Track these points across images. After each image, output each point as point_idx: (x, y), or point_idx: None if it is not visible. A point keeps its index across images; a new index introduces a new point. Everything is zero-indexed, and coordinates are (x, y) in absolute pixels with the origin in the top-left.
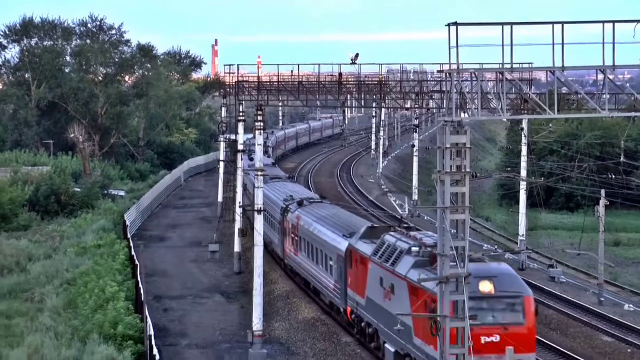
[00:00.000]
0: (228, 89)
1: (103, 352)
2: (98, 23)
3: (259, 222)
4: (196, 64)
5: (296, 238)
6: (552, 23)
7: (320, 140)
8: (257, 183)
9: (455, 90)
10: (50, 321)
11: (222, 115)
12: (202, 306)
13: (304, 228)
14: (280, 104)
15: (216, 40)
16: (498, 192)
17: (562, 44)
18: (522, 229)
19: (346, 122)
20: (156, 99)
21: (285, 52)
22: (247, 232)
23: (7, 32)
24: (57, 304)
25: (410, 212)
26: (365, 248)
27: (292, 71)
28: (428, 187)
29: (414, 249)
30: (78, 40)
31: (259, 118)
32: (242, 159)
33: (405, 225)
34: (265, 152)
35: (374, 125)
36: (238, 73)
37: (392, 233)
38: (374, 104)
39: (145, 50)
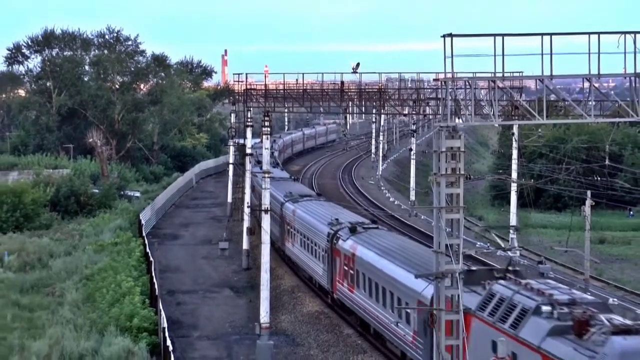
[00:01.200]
0: (237, 97)
1: (120, 344)
2: (115, 34)
3: (265, 221)
4: (207, 72)
5: (351, 272)
6: (541, 34)
7: (314, 147)
8: (264, 185)
9: (450, 98)
10: (70, 314)
11: (232, 121)
12: (212, 300)
13: (363, 261)
14: (286, 110)
15: (226, 51)
16: (490, 193)
17: (551, 54)
18: None
19: (348, 127)
20: (170, 106)
21: (291, 62)
22: (255, 230)
23: (30, 43)
24: (77, 298)
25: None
26: (465, 299)
27: (297, 80)
28: (425, 188)
29: (545, 308)
30: (96, 50)
31: (266, 124)
32: (250, 162)
33: (511, 268)
34: (277, 165)
35: (374, 131)
36: (246, 81)
37: (502, 283)
38: (374, 111)
39: (160, 60)
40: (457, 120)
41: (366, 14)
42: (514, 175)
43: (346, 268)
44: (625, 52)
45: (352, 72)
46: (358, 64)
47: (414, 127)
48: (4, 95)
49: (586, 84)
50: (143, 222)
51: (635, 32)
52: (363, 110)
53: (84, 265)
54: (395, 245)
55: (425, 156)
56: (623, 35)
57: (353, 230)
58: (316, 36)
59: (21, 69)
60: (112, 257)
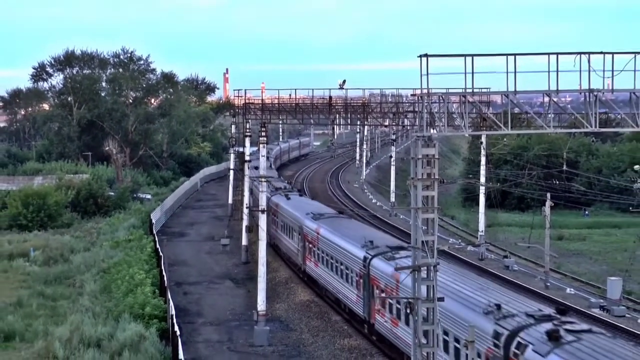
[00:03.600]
0: (237, 110)
1: (133, 329)
2: (129, 55)
3: (263, 220)
4: (210, 88)
5: None
6: (506, 55)
7: (289, 161)
8: (261, 188)
9: (426, 111)
10: (89, 303)
11: (232, 132)
12: (215, 290)
13: None
14: (280, 122)
15: (227, 69)
16: (461, 195)
17: (515, 72)
18: (481, 225)
19: (335, 137)
20: (177, 118)
21: (285, 79)
22: (253, 228)
23: (53, 63)
24: (95, 289)
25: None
26: None
27: (290, 95)
28: (403, 191)
29: None
30: (112, 69)
31: (263, 134)
32: (248, 168)
33: None
34: (298, 191)
35: (358, 140)
36: (245, 96)
37: None
38: (358, 122)
39: (168, 77)
40: (432, 130)
41: (353, 37)
42: (482, 179)
43: None
44: (580, 70)
45: (339, 88)
46: (344, 81)
47: (393, 137)
48: (30, 109)
49: (546, 99)
50: (153, 221)
51: (589, 53)
52: (349, 121)
53: (101, 260)
54: None
55: (404, 162)
56: (578, 55)
57: (554, 337)
58: (308, 57)
59: (45, 85)
60: (126, 253)
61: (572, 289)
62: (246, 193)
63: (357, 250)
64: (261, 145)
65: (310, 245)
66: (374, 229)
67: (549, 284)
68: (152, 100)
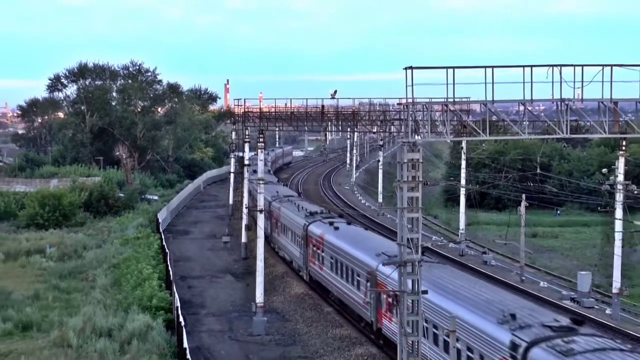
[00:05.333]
0: (237, 118)
1: (141, 320)
2: (137, 67)
3: (260, 219)
4: (212, 98)
5: None
6: (485, 67)
7: (270, 171)
8: (259, 189)
9: (411, 119)
10: (100, 296)
11: (233, 138)
12: (217, 284)
13: None
14: (277, 129)
15: (228, 80)
16: (443, 196)
17: (493, 83)
18: (462, 224)
19: (327, 142)
20: (182, 125)
21: (281, 89)
22: (251, 227)
23: (68, 74)
24: (106, 283)
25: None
26: None
27: (286, 104)
28: (390, 192)
29: None
30: (122, 80)
31: (261, 140)
32: (248, 171)
33: None
34: (340, 216)
35: (348, 145)
36: (245, 105)
37: None
38: (348, 129)
39: (174, 88)
40: (416, 137)
41: (344, 50)
42: (463, 181)
43: None
44: (552, 82)
45: (331, 98)
46: (336, 91)
47: (381, 143)
48: (46, 117)
49: (521, 107)
50: (160, 220)
51: (560, 65)
52: (340, 128)
53: (112, 256)
54: None
55: (391, 166)
56: (551, 67)
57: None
58: (302, 68)
59: (60, 95)
60: (135, 249)
61: (545, 283)
62: (245, 194)
63: (494, 328)
64: (259, 151)
65: (390, 300)
66: (484, 282)
67: (524, 278)
68: (159, 109)
